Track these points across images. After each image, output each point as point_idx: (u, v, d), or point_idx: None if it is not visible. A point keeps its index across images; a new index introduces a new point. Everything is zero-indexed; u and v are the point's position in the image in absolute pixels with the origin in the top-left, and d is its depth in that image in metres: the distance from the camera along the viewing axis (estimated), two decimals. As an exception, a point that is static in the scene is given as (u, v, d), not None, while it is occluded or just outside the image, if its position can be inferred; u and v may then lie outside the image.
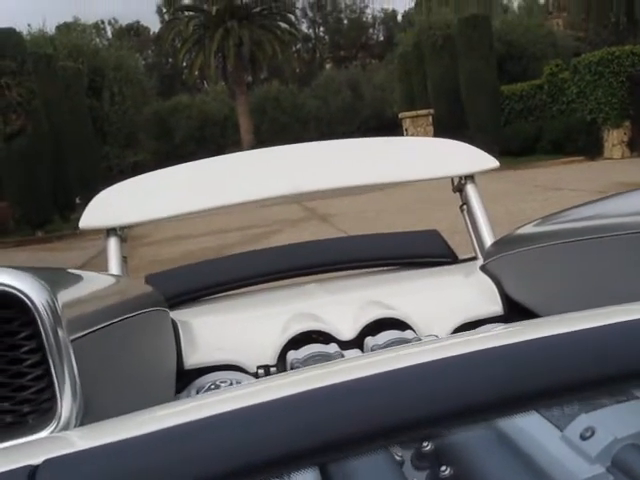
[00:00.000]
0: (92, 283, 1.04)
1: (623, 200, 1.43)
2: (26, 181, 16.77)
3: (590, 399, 0.56)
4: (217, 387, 1.46)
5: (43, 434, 0.64)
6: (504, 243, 1.83)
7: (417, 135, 22.46)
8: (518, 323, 0.95)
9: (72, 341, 0.68)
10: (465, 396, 0.52)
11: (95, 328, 0.77)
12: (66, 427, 0.65)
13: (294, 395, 0.52)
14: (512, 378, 0.54)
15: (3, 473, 0.51)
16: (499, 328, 0.80)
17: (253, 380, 1.55)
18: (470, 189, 2.08)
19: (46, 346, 0.65)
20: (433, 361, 0.55)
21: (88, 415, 0.68)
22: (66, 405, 0.65)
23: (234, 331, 1.75)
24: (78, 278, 1.01)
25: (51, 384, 0.65)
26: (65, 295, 0.72)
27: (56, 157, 18.02)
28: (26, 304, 0.64)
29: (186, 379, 1.58)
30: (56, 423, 0.64)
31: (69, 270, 1.29)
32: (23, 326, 0.65)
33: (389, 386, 0.53)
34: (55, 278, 0.88)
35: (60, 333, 0.65)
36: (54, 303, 0.66)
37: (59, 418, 0.65)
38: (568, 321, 0.68)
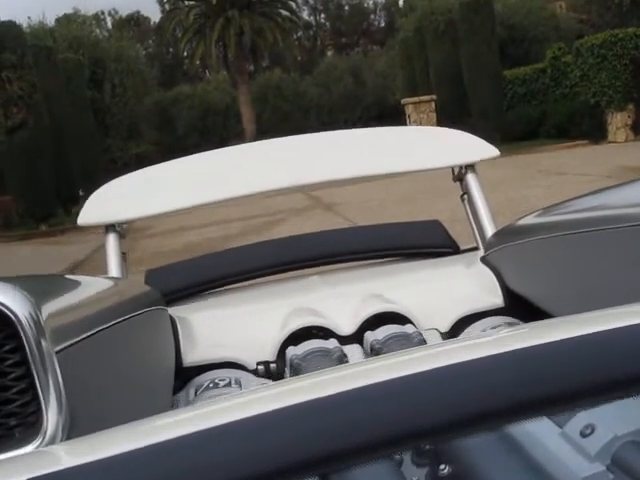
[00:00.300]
0: (84, 288, 1.03)
1: (627, 191, 1.40)
2: (29, 175, 16.78)
3: (601, 404, 0.55)
4: (216, 385, 1.45)
5: (29, 448, 0.62)
6: (505, 234, 1.81)
7: (420, 121, 22.40)
8: (527, 325, 0.93)
9: (58, 352, 0.66)
10: (474, 403, 0.51)
11: (83, 336, 0.76)
12: (52, 441, 0.64)
13: (301, 404, 0.51)
14: (523, 384, 0.52)
15: None
16: (506, 330, 0.78)
17: (252, 378, 1.54)
18: (470, 178, 2.07)
19: (30, 359, 0.64)
20: (444, 367, 0.54)
21: (77, 427, 0.67)
22: (51, 418, 0.64)
23: (233, 327, 1.74)
24: (68, 284, 1.00)
25: (36, 397, 0.64)
26: (51, 306, 0.71)
27: (58, 150, 18.02)
28: (9, 317, 0.63)
29: (185, 377, 1.57)
30: (42, 438, 0.63)
31: (61, 275, 1.28)
32: (7, 339, 0.64)
33: (399, 393, 0.52)
34: (42, 287, 0.86)
35: (44, 345, 0.64)
36: (37, 315, 0.64)
37: (45, 432, 0.63)
38: (578, 323, 0.66)
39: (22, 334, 0.63)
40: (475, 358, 0.55)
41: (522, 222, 1.70)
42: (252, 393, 0.69)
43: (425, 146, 2.24)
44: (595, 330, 0.57)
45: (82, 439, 0.62)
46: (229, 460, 0.48)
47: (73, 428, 0.66)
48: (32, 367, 0.64)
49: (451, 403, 0.52)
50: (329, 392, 0.52)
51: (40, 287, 0.85)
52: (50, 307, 0.70)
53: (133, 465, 0.50)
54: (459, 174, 2.10)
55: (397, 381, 0.53)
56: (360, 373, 0.63)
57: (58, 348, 0.67)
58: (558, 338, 0.56)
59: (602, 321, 0.62)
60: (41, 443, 0.63)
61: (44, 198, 17.10)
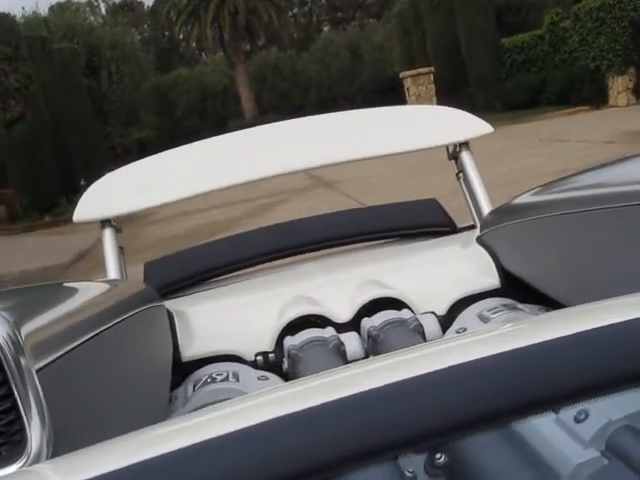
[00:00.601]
0: (70, 297, 1.02)
1: (626, 167, 1.38)
2: (30, 167, 16.79)
3: (601, 399, 0.54)
4: (213, 380, 1.45)
5: (13, 468, 0.62)
6: (501, 213, 1.80)
7: (419, 93, 22.28)
8: (529, 320, 0.92)
9: (39, 370, 0.66)
10: (482, 404, 0.51)
11: (65, 350, 0.75)
12: (37, 459, 0.64)
13: (301, 411, 0.50)
14: (524, 384, 0.52)
15: None
16: (508, 325, 0.78)
17: (250, 370, 1.54)
18: (465, 156, 2.05)
19: (10, 379, 0.64)
20: (449, 367, 0.53)
21: (67, 442, 0.67)
22: (35, 436, 0.64)
23: (230, 319, 1.74)
24: (54, 295, 0.99)
25: (19, 416, 0.64)
26: (31, 324, 0.70)
27: (58, 140, 18.01)
28: None
29: (184, 371, 1.57)
30: (26, 456, 0.63)
31: (48, 285, 1.28)
32: None
33: (401, 396, 0.52)
34: (25, 303, 0.86)
35: (23, 364, 0.64)
36: (16, 335, 0.64)
37: (29, 451, 0.63)
38: (579, 316, 0.65)
39: (1, 355, 0.63)
40: (481, 357, 0.54)
41: (518, 200, 1.69)
42: (252, 399, 0.68)
43: (418, 125, 2.23)
44: (596, 325, 0.56)
45: (67, 457, 0.61)
46: (229, 472, 0.48)
47: (61, 444, 0.66)
48: (13, 387, 0.64)
49: (460, 403, 0.51)
50: (328, 398, 0.51)
51: (22, 303, 0.85)
52: (30, 325, 0.70)
53: None
54: (453, 152, 2.09)
55: (398, 385, 0.52)
56: (364, 375, 0.62)
57: (38, 366, 0.66)
58: (564, 333, 0.55)
59: (603, 314, 0.61)
60: (26, 462, 0.63)
61: (46, 189, 17.12)
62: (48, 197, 17.30)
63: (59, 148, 18.01)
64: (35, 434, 0.64)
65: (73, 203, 2.02)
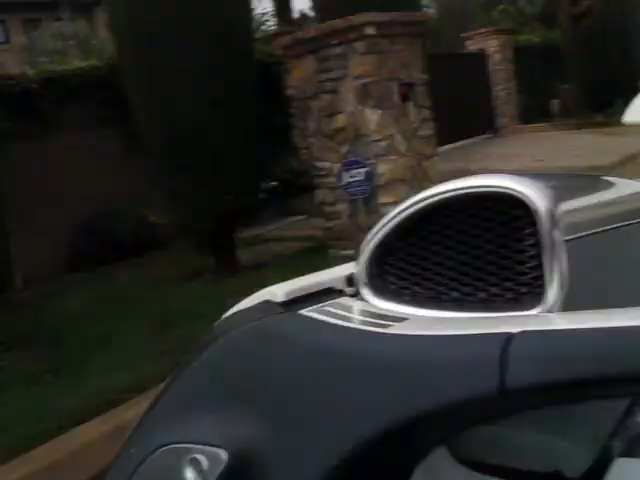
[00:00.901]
0: (609, 189, 1.11)
1: None
2: (588, 64, 16.73)
3: None
4: None
5: (533, 312, 0.79)
6: None
7: None
8: None
9: (567, 241, 0.80)
10: None
11: (595, 230, 0.87)
12: (550, 311, 0.79)
13: None
14: None
15: (487, 334, 0.67)
16: None
17: None
18: None
19: (542, 243, 0.79)
20: None
21: (571, 307, 0.80)
22: (551, 293, 0.79)
23: None
24: (596, 186, 1.10)
25: (543, 274, 0.80)
26: (569, 203, 0.84)
27: (622, 38, 17.44)
28: (529, 207, 0.79)
29: None
30: (543, 306, 0.79)
31: (593, 176, 1.37)
32: (527, 225, 0.81)
33: None
34: (568, 186, 0.99)
35: (555, 234, 0.78)
36: (553, 208, 0.79)
37: (545, 303, 0.79)
38: None
39: (537, 222, 0.79)
40: None
41: None
42: None
43: None
44: None
45: (574, 312, 0.75)
46: None
47: (569, 306, 0.80)
48: (542, 251, 0.79)
49: None
50: None
51: (565, 186, 0.99)
52: (567, 204, 0.83)
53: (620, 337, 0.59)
54: None
55: None
56: None
57: (568, 238, 0.80)
58: None
59: None
60: (542, 310, 0.79)
61: (603, 88, 16.93)
62: (603, 96, 17.09)
63: (623, 48, 17.46)
64: (552, 291, 0.79)
65: (628, 104, 2.03)
